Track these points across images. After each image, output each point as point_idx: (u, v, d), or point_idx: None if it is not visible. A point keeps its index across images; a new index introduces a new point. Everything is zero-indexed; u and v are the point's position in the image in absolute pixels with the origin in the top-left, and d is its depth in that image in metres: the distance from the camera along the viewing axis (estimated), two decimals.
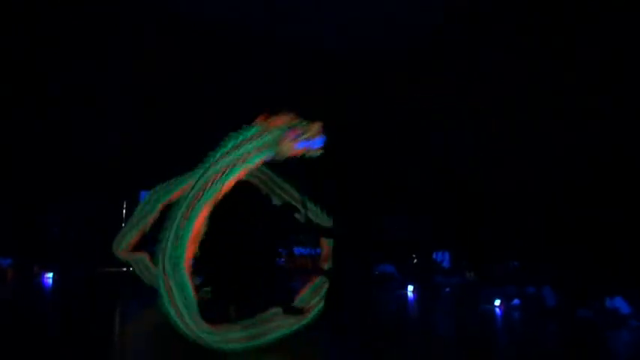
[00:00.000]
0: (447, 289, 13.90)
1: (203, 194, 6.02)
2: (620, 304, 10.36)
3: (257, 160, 6.24)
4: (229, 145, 6.18)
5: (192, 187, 6.16)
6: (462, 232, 14.28)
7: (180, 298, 6.01)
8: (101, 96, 15.22)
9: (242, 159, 6.13)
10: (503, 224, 13.89)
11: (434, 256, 15.18)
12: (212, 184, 6.05)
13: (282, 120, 6.24)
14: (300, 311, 7.08)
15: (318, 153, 6.35)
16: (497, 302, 11.82)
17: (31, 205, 15.00)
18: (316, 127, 6.23)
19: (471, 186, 15.04)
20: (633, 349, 8.89)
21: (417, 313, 12.12)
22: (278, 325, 6.88)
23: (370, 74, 16.45)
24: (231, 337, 6.51)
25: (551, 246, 12.77)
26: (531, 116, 14.04)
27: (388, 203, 16.52)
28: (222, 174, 6.07)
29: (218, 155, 6.20)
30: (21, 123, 14.92)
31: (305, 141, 6.16)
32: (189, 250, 6.01)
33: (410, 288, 14.20)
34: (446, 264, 14.88)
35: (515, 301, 11.88)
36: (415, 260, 15.72)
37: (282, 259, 14.73)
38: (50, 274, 14.17)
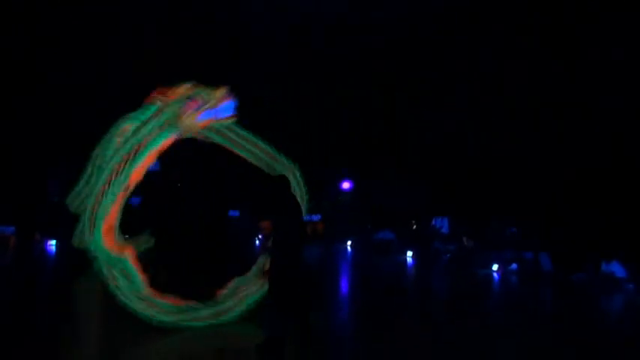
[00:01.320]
0: (447, 255, 14.02)
1: (109, 187, 5.35)
2: (616, 268, 10.45)
3: (161, 141, 5.58)
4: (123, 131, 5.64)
5: (96, 183, 5.58)
6: (461, 198, 14.32)
7: (123, 280, 5.64)
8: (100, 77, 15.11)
9: (143, 144, 5.47)
10: (501, 191, 13.93)
11: (433, 222, 15.25)
12: (116, 175, 5.38)
13: (178, 92, 5.59)
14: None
15: (230, 120, 5.82)
16: (495, 267, 11.95)
17: (32, 174, 15.04)
18: (219, 92, 5.63)
19: (470, 153, 15.03)
20: (625, 311, 9.03)
21: (415, 278, 12.27)
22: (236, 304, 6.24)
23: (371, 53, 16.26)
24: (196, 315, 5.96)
25: (549, 212, 12.83)
26: (530, 85, 13.96)
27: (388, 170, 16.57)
28: (125, 163, 5.40)
29: (114, 143, 5.67)
30: (21, 96, 14.86)
31: (209, 110, 5.55)
32: (108, 240, 5.47)
33: (409, 253, 14.33)
34: (445, 230, 14.96)
35: (513, 265, 12.00)
36: (415, 226, 15.81)
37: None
38: (53, 242, 14.32)
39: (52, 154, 14.41)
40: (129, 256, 5.68)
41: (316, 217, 17.58)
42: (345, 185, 18.48)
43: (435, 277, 12.08)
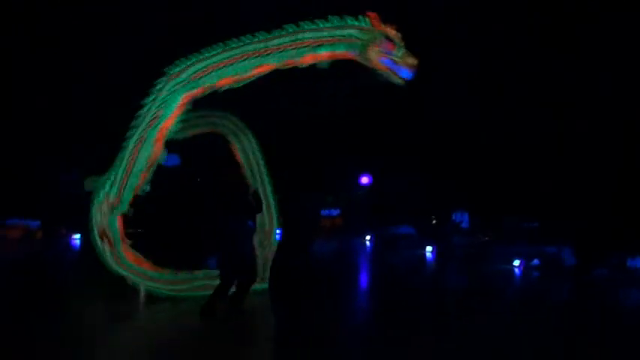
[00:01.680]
0: (467, 250, 13.72)
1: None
2: None
3: (341, 51, 5.99)
4: (319, 25, 5.98)
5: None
6: (481, 192, 14.04)
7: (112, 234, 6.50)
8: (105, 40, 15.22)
9: (328, 40, 5.95)
10: (522, 184, 13.60)
11: (453, 217, 15.02)
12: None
13: (388, 29, 5.91)
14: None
15: (399, 82, 5.98)
16: (516, 262, 11.69)
17: (56, 168, 15.39)
18: (413, 59, 5.87)
19: (489, 146, 14.71)
20: None
21: (434, 273, 12.11)
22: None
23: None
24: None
25: (572, 206, 12.46)
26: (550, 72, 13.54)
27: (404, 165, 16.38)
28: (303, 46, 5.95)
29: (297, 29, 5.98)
30: (45, 88, 15.18)
31: (392, 62, 5.82)
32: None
33: (429, 248, 14.15)
34: (465, 225, 14.74)
35: (535, 261, 11.72)
36: (434, 221, 15.62)
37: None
38: (77, 236, 14.59)
39: (74, 147, 14.65)
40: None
41: (335, 212, 17.56)
42: (364, 180, 18.37)
43: (454, 272, 11.88)
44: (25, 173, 14.74)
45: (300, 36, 6.00)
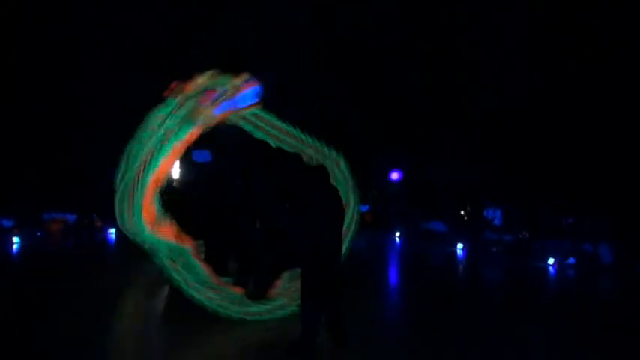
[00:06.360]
0: (499, 247, 13.44)
1: (137, 182, 5.17)
2: None
3: (184, 135, 5.25)
4: (153, 124, 5.26)
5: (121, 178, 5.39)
6: (516, 187, 13.74)
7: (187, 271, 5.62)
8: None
9: (167, 137, 5.19)
10: (557, 178, 13.23)
11: (485, 213, 14.77)
12: (144, 168, 5.19)
13: (196, 83, 5.21)
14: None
15: (252, 109, 5.36)
16: (551, 260, 11.43)
17: (92, 163, 15.76)
18: (239, 80, 5.22)
19: (525, 139, 14.36)
20: None
21: (465, 271, 11.91)
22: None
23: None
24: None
25: (608, 199, 12.06)
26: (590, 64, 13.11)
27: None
28: (152, 156, 5.18)
29: (144, 137, 5.28)
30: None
31: (228, 101, 5.18)
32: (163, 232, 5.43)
33: (460, 245, 13.95)
34: (497, 221, 14.47)
35: (570, 259, 11.44)
36: (466, 218, 15.40)
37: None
38: (113, 230, 14.91)
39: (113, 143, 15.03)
40: (190, 247, 5.67)
41: (364, 208, 17.49)
42: (394, 176, 18.26)
43: (486, 270, 11.67)
44: (65, 168, 15.16)
45: (142, 156, 5.21)
